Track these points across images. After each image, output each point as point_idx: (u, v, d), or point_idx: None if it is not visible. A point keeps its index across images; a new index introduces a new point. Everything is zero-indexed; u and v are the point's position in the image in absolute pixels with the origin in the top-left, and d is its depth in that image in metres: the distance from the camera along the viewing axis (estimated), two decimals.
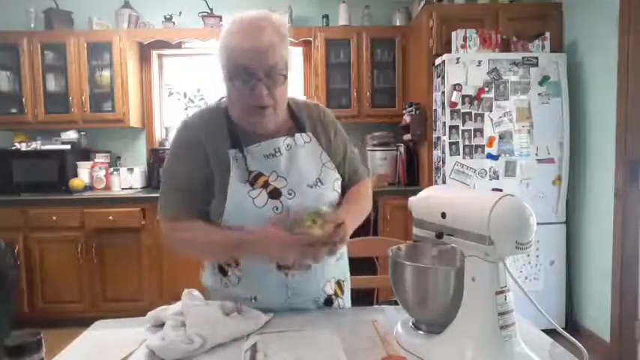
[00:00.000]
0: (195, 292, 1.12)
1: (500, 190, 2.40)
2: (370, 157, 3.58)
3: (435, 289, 0.92)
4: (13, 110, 3.56)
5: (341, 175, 1.23)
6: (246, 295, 1.15)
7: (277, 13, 1.14)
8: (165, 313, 1.06)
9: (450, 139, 2.92)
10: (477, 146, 2.92)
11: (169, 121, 4.03)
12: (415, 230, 0.99)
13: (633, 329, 2.61)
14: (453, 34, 2.98)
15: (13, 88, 3.58)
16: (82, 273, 3.28)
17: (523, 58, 2.90)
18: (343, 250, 1.28)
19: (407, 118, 3.39)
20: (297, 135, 1.18)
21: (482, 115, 2.91)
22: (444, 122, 2.94)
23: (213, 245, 1.12)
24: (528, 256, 2.92)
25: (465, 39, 2.94)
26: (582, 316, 3.02)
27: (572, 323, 3.05)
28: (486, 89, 2.89)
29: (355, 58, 3.61)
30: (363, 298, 1.33)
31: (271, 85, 1.06)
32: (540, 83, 2.91)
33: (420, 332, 0.96)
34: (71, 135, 3.66)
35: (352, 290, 1.32)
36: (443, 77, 2.93)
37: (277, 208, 1.10)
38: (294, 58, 1.14)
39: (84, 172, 3.61)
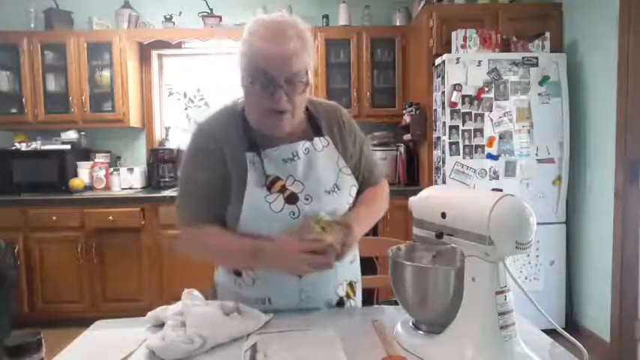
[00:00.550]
0: (196, 292, 1.12)
1: (500, 190, 2.40)
2: None
3: (435, 289, 0.92)
4: (13, 110, 3.56)
5: (356, 176, 1.22)
6: (260, 297, 1.15)
7: (298, 16, 1.10)
8: (165, 313, 1.06)
9: (450, 139, 2.92)
10: (477, 146, 2.92)
11: (169, 121, 4.04)
12: (415, 230, 0.99)
13: (633, 329, 2.61)
14: (453, 34, 2.98)
15: (13, 88, 3.58)
16: (82, 273, 3.28)
17: (523, 58, 2.90)
18: (356, 252, 1.28)
19: (407, 118, 3.39)
20: (316, 139, 1.17)
21: (482, 115, 2.91)
22: (444, 122, 2.94)
23: (229, 253, 1.13)
24: (528, 256, 2.92)
25: (465, 39, 2.94)
26: (582, 316, 3.02)
27: (572, 323, 3.05)
28: (486, 89, 2.89)
29: (355, 58, 3.61)
30: (363, 298, 1.33)
31: (291, 92, 1.04)
32: (540, 83, 2.91)
33: (420, 332, 0.96)
34: (71, 135, 3.66)
35: None
36: (443, 77, 2.93)
37: (294, 214, 1.09)
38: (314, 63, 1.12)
39: (84, 172, 3.61)
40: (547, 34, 2.97)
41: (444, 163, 2.96)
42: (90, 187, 3.61)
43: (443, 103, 2.95)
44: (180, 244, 1.16)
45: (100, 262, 3.28)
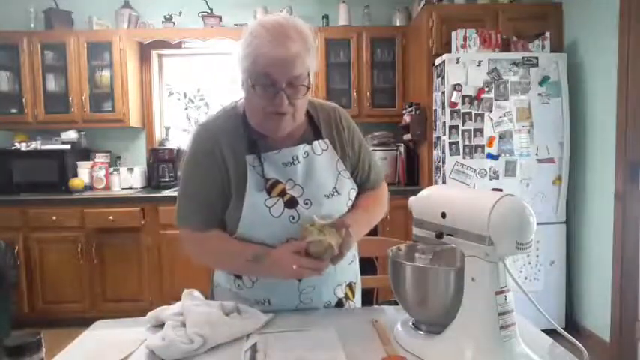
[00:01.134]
0: (196, 292, 1.12)
1: (500, 190, 2.40)
2: None
3: (435, 289, 0.92)
4: (13, 110, 3.56)
5: (355, 179, 1.22)
6: (259, 298, 1.15)
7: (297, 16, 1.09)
8: (165, 313, 1.06)
9: (450, 139, 2.92)
10: (476, 146, 2.92)
11: (169, 121, 4.03)
12: (415, 230, 0.99)
13: (633, 329, 2.61)
14: (453, 34, 2.98)
15: (13, 88, 3.58)
16: (82, 273, 3.28)
17: (523, 58, 2.90)
18: (355, 253, 1.28)
19: (407, 118, 3.39)
20: (315, 142, 1.16)
21: (482, 115, 2.91)
22: (444, 122, 2.94)
23: (231, 258, 1.13)
24: (528, 256, 2.92)
25: (465, 39, 2.93)
26: (582, 316, 3.02)
27: (572, 323, 3.05)
28: (486, 89, 2.89)
29: (355, 58, 3.61)
30: (363, 298, 1.33)
31: (292, 95, 1.03)
32: (540, 83, 2.91)
33: (420, 332, 0.96)
34: (71, 135, 3.66)
35: None
36: (443, 77, 2.93)
37: (293, 218, 1.09)
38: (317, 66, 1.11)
39: (84, 172, 3.61)
40: (547, 34, 2.97)
41: (444, 163, 2.96)
42: (90, 187, 3.61)
43: (443, 103, 2.95)
44: (185, 245, 1.17)
45: (100, 262, 3.28)
